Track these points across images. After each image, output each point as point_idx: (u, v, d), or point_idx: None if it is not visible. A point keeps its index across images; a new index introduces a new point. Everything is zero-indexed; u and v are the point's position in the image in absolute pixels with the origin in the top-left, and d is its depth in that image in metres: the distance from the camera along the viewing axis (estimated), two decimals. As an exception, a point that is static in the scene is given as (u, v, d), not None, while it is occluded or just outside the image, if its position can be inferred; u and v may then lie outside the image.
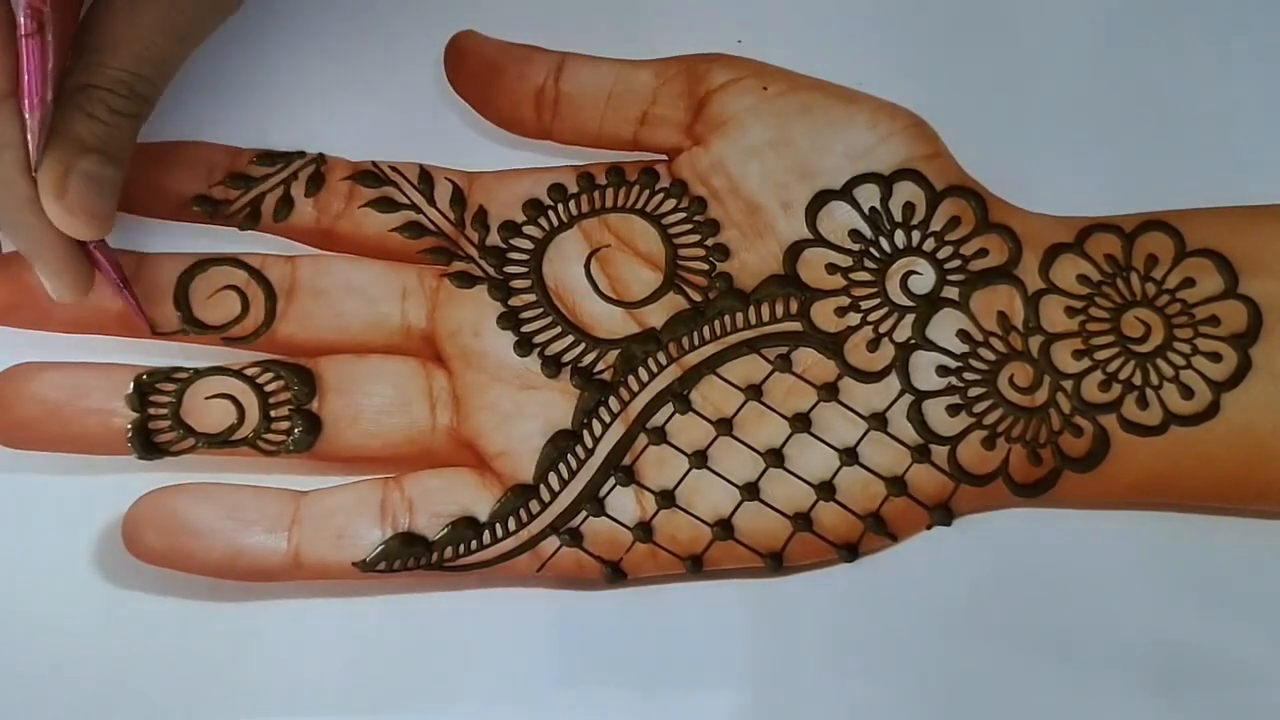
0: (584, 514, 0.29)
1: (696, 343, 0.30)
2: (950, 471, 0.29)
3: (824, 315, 0.30)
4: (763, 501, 0.29)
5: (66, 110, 0.26)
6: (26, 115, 0.25)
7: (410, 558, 0.29)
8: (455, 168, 0.32)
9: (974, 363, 0.30)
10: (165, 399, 0.30)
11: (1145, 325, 0.30)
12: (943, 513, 0.30)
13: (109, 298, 0.30)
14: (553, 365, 0.30)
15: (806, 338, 0.30)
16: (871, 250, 0.30)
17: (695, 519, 0.29)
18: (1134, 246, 0.30)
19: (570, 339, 0.30)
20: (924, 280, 0.30)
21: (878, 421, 0.29)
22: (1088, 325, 0.30)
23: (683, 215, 0.31)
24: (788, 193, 0.30)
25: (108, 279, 0.29)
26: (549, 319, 0.30)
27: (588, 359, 0.30)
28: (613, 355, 0.30)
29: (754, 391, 0.30)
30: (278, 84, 0.33)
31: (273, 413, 0.30)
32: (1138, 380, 0.29)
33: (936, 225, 0.30)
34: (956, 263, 0.30)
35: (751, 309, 0.30)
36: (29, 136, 0.25)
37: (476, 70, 0.31)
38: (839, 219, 0.30)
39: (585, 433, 0.30)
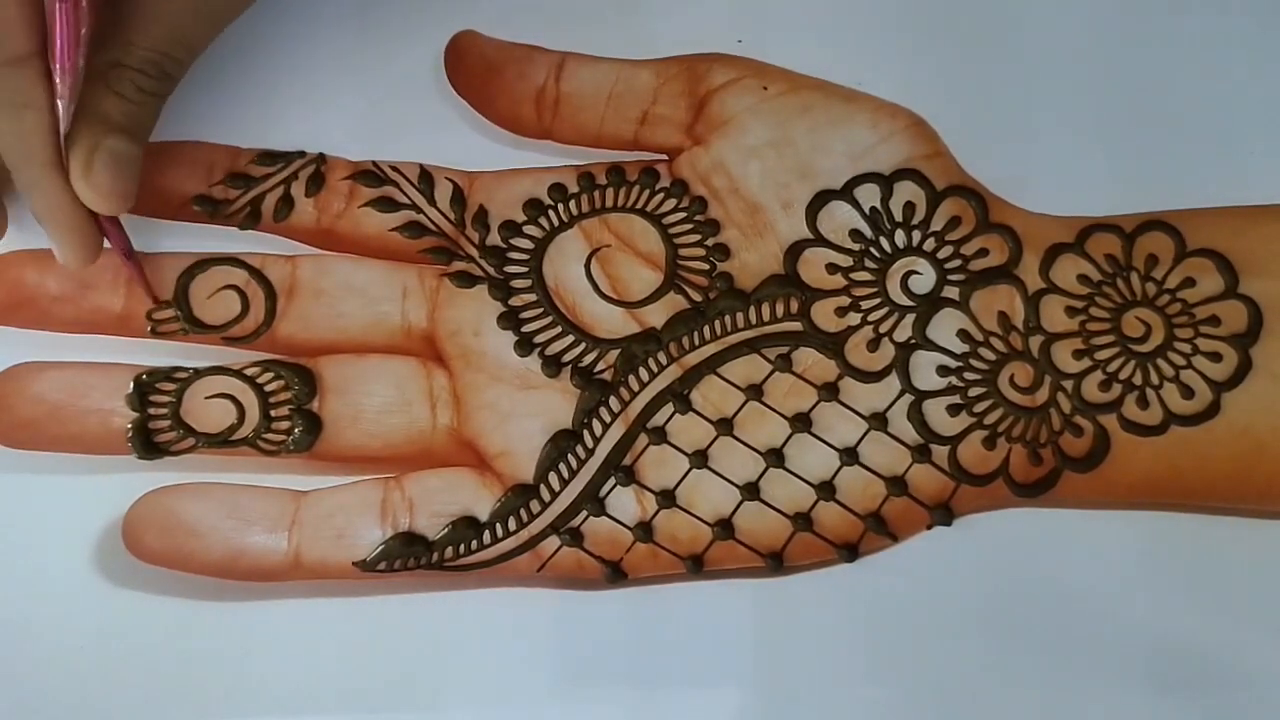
0: (584, 514, 0.29)
1: (697, 342, 0.30)
2: (950, 471, 0.29)
3: (824, 315, 0.30)
4: (763, 501, 0.29)
5: (95, 87, 0.26)
6: (56, 79, 0.25)
7: (410, 558, 0.29)
8: (455, 167, 0.32)
9: (974, 362, 0.30)
10: (165, 399, 0.30)
11: (1146, 325, 0.30)
12: (943, 513, 0.30)
13: (109, 297, 0.30)
14: (553, 365, 0.30)
15: (807, 337, 0.30)
16: (872, 250, 0.30)
17: (695, 519, 0.29)
18: (1134, 246, 0.30)
19: (570, 339, 0.30)
20: (924, 280, 0.30)
21: (878, 421, 0.29)
22: (1088, 325, 0.30)
23: (683, 215, 0.31)
24: (788, 192, 0.30)
25: (115, 248, 0.29)
26: (549, 319, 0.30)
27: (588, 359, 0.30)
28: (613, 355, 0.30)
29: (754, 391, 0.30)
30: (278, 84, 0.33)
31: (273, 412, 0.30)
32: (1138, 380, 0.29)
33: (937, 225, 0.30)
34: (957, 262, 0.30)
35: (752, 309, 0.30)
36: (58, 101, 0.25)
37: (477, 70, 0.31)
38: (839, 219, 0.30)
39: (586, 432, 0.30)
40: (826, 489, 0.29)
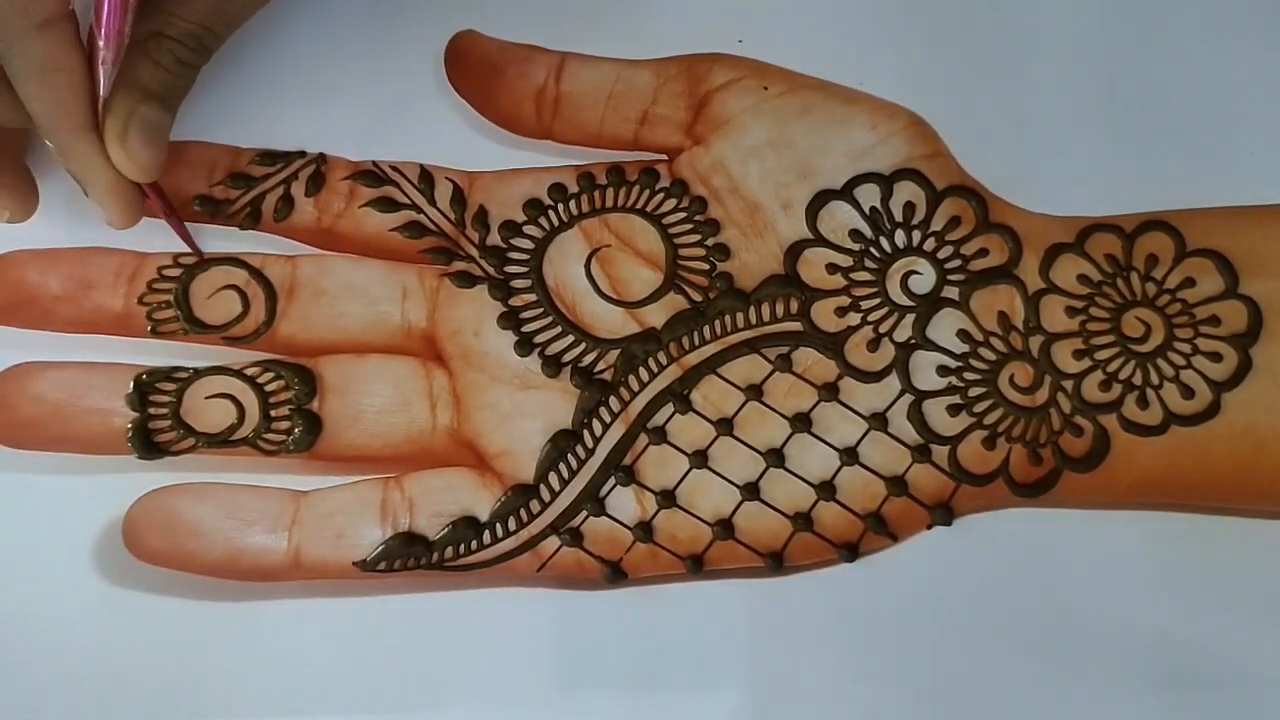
0: (584, 514, 0.29)
1: (697, 342, 0.30)
2: (950, 471, 0.29)
3: (824, 315, 0.30)
4: (763, 501, 0.29)
5: (133, 55, 0.26)
6: (101, 44, 0.25)
7: (410, 558, 0.29)
8: (456, 167, 0.32)
9: (974, 362, 0.30)
10: (165, 399, 0.30)
11: (1146, 325, 0.30)
12: (943, 512, 0.30)
13: (109, 297, 0.30)
14: (553, 365, 0.30)
15: (807, 337, 0.30)
16: (872, 250, 0.30)
17: (695, 519, 0.29)
18: (1134, 246, 0.30)
19: (571, 339, 0.30)
20: (924, 280, 0.30)
21: (878, 421, 0.29)
22: (1088, 325, 0.30)
23: (683, 215, 0.31)
24: (788, 192, 0.30)
25: (156, 206, 0.29)
26: (549, 319, 0.30)
27: (588, 359, 0.30)
28: (613, 355, 0.30)
29: (754, 391, 0.30)
30: (279, 84, 0.33)
31: (273, 412, 0.30)
32: (1138, 380, 0.29)
33: (937, 225, 0.30)
34: (957, 262, 0.30)
35: (752, 309, 0.30)
36: (100, 65, 0.25)
37: (477, 70, 0.31)
38: (839, 219, 0.30)
39: (585, 432, 0.30)
40: (826, 489, 0.29)
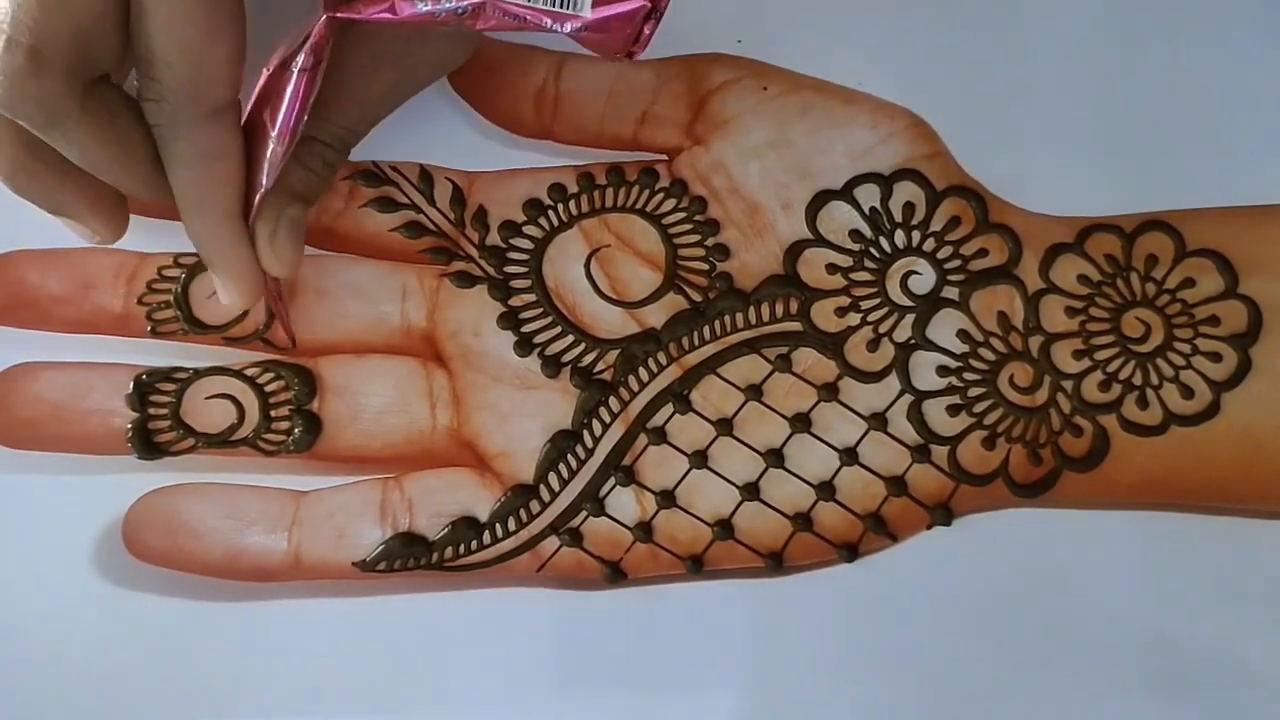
0: (584, 514, 0.29)
1: (697, 343, 0.30)
2: (950, 471, 0.29)
3: (824, 315, 0.30)
4: (763, 501, 0.29)
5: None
6: (272, 138, 0.25)
7: (410, 558, 0.29)
8: (455, 167, 0.32)
9: (974, 363, 0.30)
10: (165, 399, 0.30)
11: (1145, 325, 0.30)
12: (943, 513, 0.30)
13: (109, 297, 0.30)
14: (553, 365, 0.30)
15: (806, 338, 0.30)
16: (871, 250, 0.30)
17: (695, 519, 0.29)
18: (1134, 246, 0.30)
19: (570, 339, 0.30)
20: (924, 280, 0.30)
21: (878, 421, 0.29)
22: (1088, 325, 0.30)
23: (683, 215, 0.31)
24: (788, 192, 0.30)
25: (268, 292, 0.29)
26: (549, 319, 0.30)
27: (588, 359, 0.30)
28: (613, 355, 0.30)
29: (754, 391, 0.30)
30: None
31: (273, 413, 0.30)
32: (1138, 380, 0.29)
33: (937, 225, 0.30)
34: (956, 263, 0.30)
35: (751, 309, 0.30)
36: (266, 159, 0.25)
37: (477, 70, 0.31)
38: (839, 219, 0.30)
39: (585, 433, 0.30)
40: (826, 489, 0.29)
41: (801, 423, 0.30)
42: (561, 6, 0.25)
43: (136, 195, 0.26)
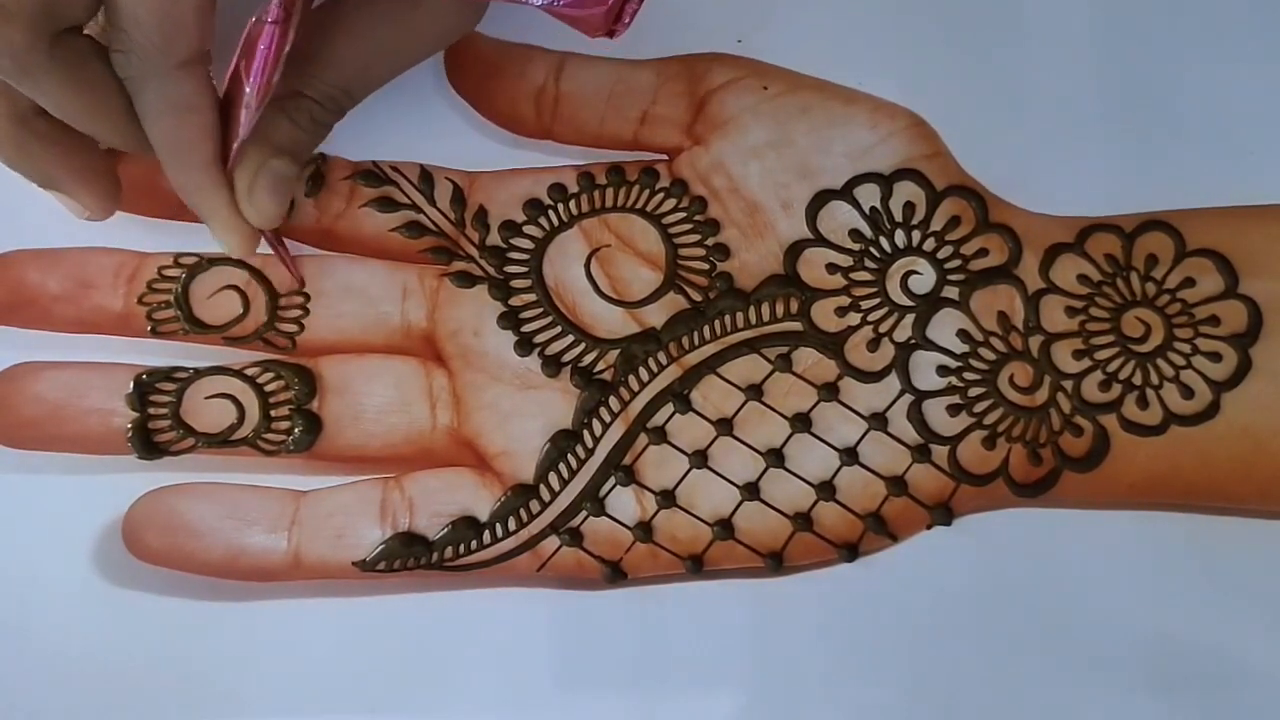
0: (584, 514, 0.29)
1: (697, 342, 0.30)
2: (950, 471, 0.29)
3: (824, 315, 0.30)
4: (763, 501, 0.29)
5: (271, 110, 0.26)
6: (248, 89, 0.25)
7: (410, 558, 0.29)
8: (455, 167, 0.32)
9: (974, 362, 0.30)
10: (165, 399, 0.30)
11: (1145, 325, 0.30)
12: (943, 512, 0.30)
13: (110, 297, 0.30)
14: (553, 365, 0.30)
15: (807, 337, 0.30)
16: (872, 250, 0.30)
17: (695, 519, 0.29)
18: (1134, 246, 0.30)
19: (570, 339, 0.30)
20: (924, 280, 0.30)
21: (878, 421, 0.29)
22: (1088, 325, 0.30)
23: (683, 215, 0.31)
24: (788, 192, 0.30)
25: (269, 241, 0.29)
26: (549, 319, 0.30)
27: (588, 359, 0.30)
28: (613, 355, 0.30)
29: (754, 391, 0.30)
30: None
31: (273, 412, 0.30)
32: (1138, 380, 0.29)
33: (937, 225, 0.30)
34: (957, 262, 0.30)
35: (752, 309, 0.30)
36: (242, 109, 0.25)
37: (477, 70, 0.31)
38: (839, 219, 0.30)
39: (585, 432, 0.30)
40: (826, 489, 0.29)
41: (802, 422, 0.30)
42: None
43: (116, 145, 0.26)
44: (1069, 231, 0.30)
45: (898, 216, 0.30)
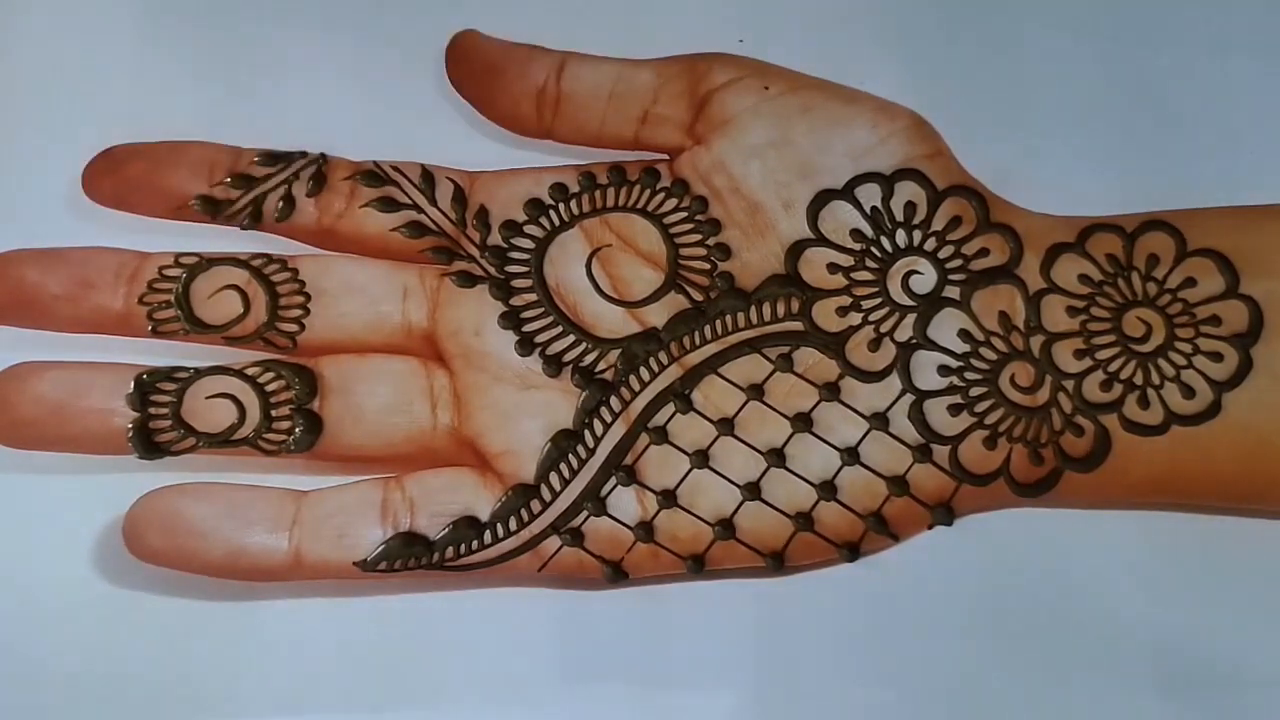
0: (585, 513, 0.29)
1: (698, 342, 0.30)
2: (951, 471, 0.29)
3: (825, 315, 0.30)
4: (764, 501, 0.29)
5: None
6: None
7: (411, 558, 0.29)
8: (456, 167, 0.32)
9: (975, 362, 0.30)
10: (166, 398, 0.29)
11: (1146, 325, 0.30)
12: (944, 512, 0.30)
13: (110, 297, 0.30)
14: (554, 365, 0.30)
15: (808, 337, 0.30)
16: (873, 250, 0.30)
17: (697, 518, 0.29)
18: (1135, 246, 0.30)
19: (571, 338, 0.30)
20: (925, 280, 0.30)
21: (879, 421, 0.29)
22: (1089, 325, 0.30)
23: (684, 215, 0.31)
24: (789, 192, 0.30)
25: None
26: (550, 318, 0.30)
27: (589, 358, 0.30)
28: (614, 355, 0.30)
29: (755, 391, 0.30)
30: (280, 84, 0.33)
31: (273, 412, 0.30)
32: (1139, 380, 0.29)
33: (938, 225, 0.30)
34: (958, 262, 0.30)
35: (753, 308, 0.30)
36: None
37: (478, 70, 0.31)
38: (840, 218, 0.30)
39: (586, 432, 0.30)
40: (828, 488, 0.29)
41: (803, 422, 0.30)
42: None
43: None
44: (1070, 231, 0.30)
45: (899, 216, 0.30)
